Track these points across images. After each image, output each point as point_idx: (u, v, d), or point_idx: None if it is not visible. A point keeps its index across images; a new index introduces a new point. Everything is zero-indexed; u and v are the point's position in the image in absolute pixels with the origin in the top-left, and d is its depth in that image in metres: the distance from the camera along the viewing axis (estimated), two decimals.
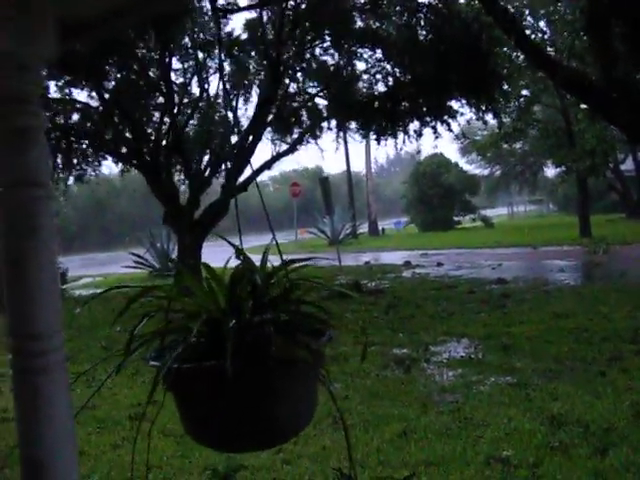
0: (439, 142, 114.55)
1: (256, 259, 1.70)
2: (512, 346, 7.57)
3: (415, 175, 43.32)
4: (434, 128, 15.77)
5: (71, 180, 16.17)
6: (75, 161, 15.59)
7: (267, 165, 15.54)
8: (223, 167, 15.43)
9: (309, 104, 15.81)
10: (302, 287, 1.49)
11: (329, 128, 16.29)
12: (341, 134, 16.98)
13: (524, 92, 25.30)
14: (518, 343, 7.69)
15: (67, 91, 14.58)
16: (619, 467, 4.03)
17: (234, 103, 15.60)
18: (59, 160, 15.25)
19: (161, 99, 15.21)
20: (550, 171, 45.09)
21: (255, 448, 1.53)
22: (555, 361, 6.74)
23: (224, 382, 1.27)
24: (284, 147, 15.86)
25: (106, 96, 14.50)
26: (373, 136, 16.70)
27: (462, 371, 6.74)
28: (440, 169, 41.79)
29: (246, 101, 15.78)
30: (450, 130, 15.84)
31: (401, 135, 16.02)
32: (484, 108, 15.58)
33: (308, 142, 16.02)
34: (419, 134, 15.94)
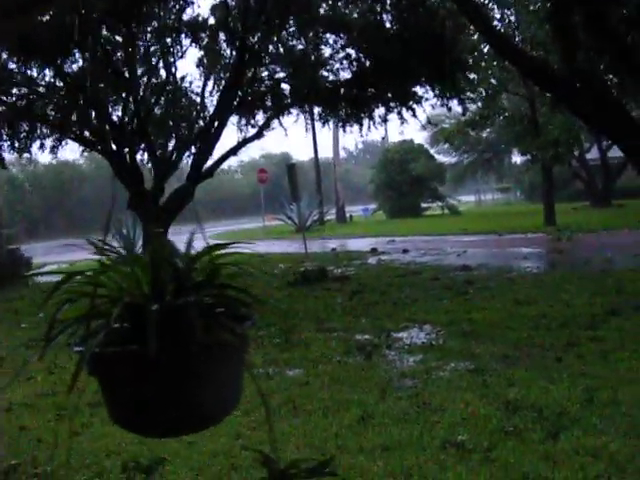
0: (408, 132, 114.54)
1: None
2: (473, 332, 7.65)
3: (383, 161, 43.03)
4: (400, 114, 15.84)
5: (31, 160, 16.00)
6: (38, 137, 15.32)
7: (233, 151, 15.49)
8: (188, 153, 15.32)
9: (275, 89, 15.74)
10: (228, 272, 1.50)
11: (289, 112, 16.23)
12: (308, 120, 17.00)
13: (491, 80, 25.45)
14: (479, 329, 7.78)
15: (30, 72, 14.35)
16: (570, 450, 4.11)
17: (202, 87, 15.51)
18: (18, 141, 15.03)
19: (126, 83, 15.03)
20: (518, 158, 45.51)
21: (180, 433, 1.54)
22: (514, 347, 6.83)
23: (146, 366, 1.27)
24: (251, 132, 15.83)
25: (69, 79, 14.30)
26: (340, 123, 16.70)
27: (423, 357, 6.81)
28: (409, 155, 41.66)
29: (218, 86, 15.65)
30: (415, 116, 15.93)
31: (366, 121, 16.06)
32: (448, 95, 15.66)
33: (274, 128, 15.98)
34: (384, 120, 16.03)
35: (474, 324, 8.09)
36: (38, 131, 15.21)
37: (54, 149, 15.80)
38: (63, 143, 15.81)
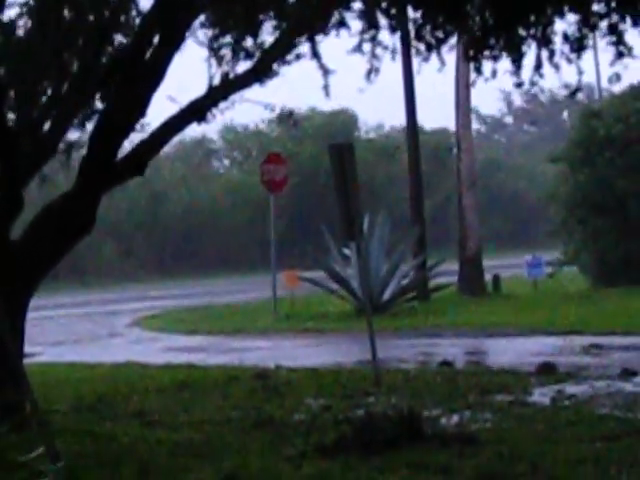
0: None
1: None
2: None
3: (584, 141, 19.83)
4: (612, 31, 7.10)
5: None
6: None
7: (196, 110, 7.22)
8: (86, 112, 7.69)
9: None
10: None
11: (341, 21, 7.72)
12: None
13: None
14: None
15: None
16: None
17: None
18: None
19: None
20: None
21: None
22: None
23: None
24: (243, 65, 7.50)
25: None
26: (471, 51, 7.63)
27: None
28: None
29: None
30: None
31: (532, 47, 7.39)
32: None
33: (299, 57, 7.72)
34: (578, 47, 7.37)
35: None
36: None
37: None
38: None
